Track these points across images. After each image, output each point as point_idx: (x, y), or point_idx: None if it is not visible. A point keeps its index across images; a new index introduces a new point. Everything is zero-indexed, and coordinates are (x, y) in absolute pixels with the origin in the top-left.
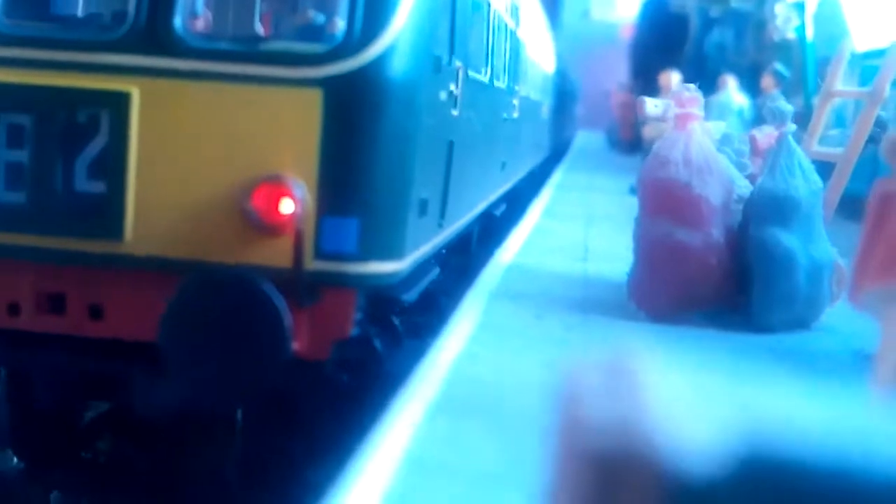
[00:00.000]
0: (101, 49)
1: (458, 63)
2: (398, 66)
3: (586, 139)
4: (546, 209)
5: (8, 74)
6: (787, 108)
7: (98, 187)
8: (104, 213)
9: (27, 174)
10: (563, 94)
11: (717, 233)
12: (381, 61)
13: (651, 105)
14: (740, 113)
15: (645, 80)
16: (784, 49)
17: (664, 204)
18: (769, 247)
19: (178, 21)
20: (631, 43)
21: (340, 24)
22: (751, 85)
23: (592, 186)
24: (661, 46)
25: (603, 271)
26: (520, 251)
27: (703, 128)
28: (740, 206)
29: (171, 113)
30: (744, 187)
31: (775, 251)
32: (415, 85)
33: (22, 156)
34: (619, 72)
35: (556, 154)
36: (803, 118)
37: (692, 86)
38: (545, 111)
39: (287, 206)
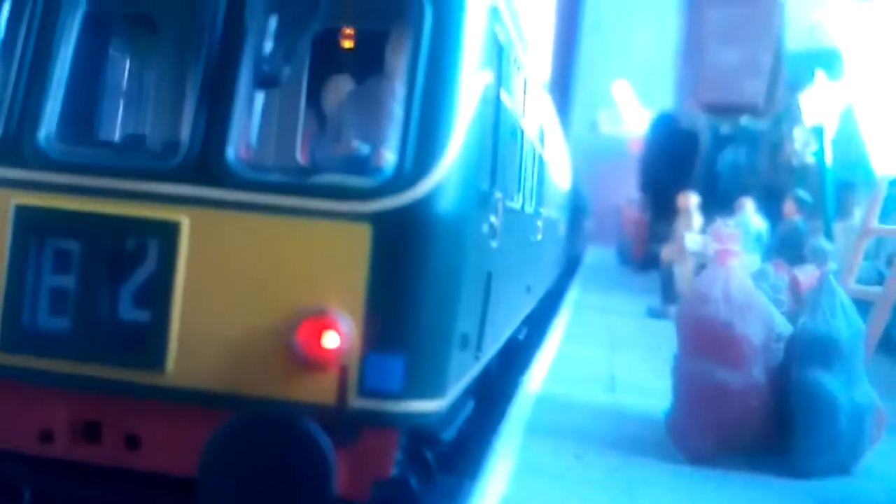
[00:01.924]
0: (152, 178)
1: (498, 194)
2: (448, 201)
3: (597, 255)
4: (566, 332)
5: (58, 200)
6: (828, 247)
7: (142, 316)
8: (147, 343)
9: (71, 300)
10: (575, 208)
11: (758, 373)
12: (431, 197)
13: (691, 240)
14: (758, 237)
15: (656, 196)
16: (801, 172)
17: (705, 343)
18: (812, 390)
19: (230, 152)
20: (641, 158)
21: (386, 156)
22: (767, 207)
23: (609, 307)
24: (672, 163)
25: (634, 405)
26: (546, 379)
27: (741, 263)
28: (780, 345)
29: (220, 243)
30: (783, 325)
31: (818, 395)
32: (463, 221)
33: (67, 281)
34: (627, 186)
35: (569, 269)
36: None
37: (731, 221)
38: (561, 228)
39: (332, 341)
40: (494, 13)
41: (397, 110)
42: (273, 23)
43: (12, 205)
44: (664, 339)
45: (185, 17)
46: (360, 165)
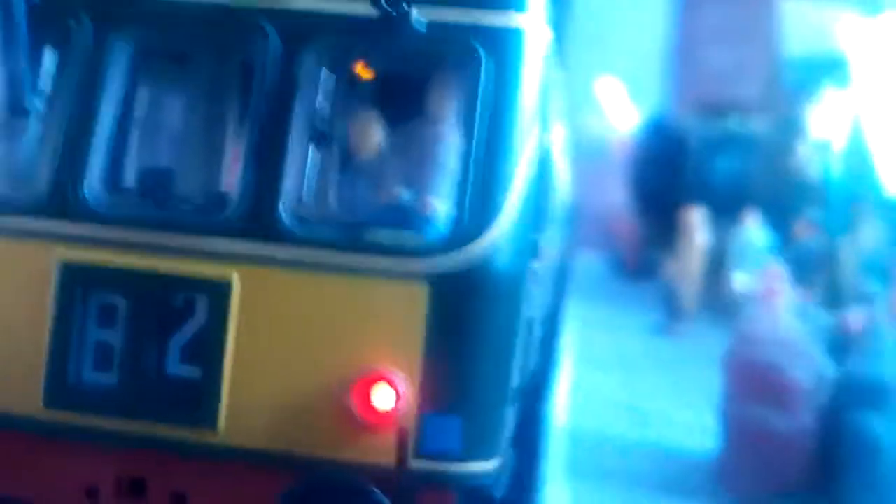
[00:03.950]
0: (201, 232)
1: (540, 236)
2: (507, 257)
3: (584, 262)
4: (577, 353)
5: (103, 255)
6: (876, 289)
7: (192, 372)
8: (198, 400)
9: (117, 355)
10: (566, 217)
11: (808, 417)
12: (491, 254)
13: (740, 281)
14: (761, 253)
15: (647, 204)
16: (803, 185)
17: (754, 386)
18: (861, 434)
19: (282, 207)
20: (632, 163)
21: (432, 204)
22: (766, 220)
23: (612, 323)
24: (663, 169)
25: (670, 440)
26: (571, 411)
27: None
28: (827, 386)
29: (272, 301)
30: (828, 366)
31: (867, 438)
32: (520, 276)
33: (113, 336)
34: (611, 189)
35: (562, 280)
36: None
37: (778, 260)
38: (559, 242)
39: (389, 402)
40: (547, 59)
41: (451, 161)
42: (324, 75)
43: (57, 259)
44: (678, 358)
45: (223, 54)
46: (409, 217)
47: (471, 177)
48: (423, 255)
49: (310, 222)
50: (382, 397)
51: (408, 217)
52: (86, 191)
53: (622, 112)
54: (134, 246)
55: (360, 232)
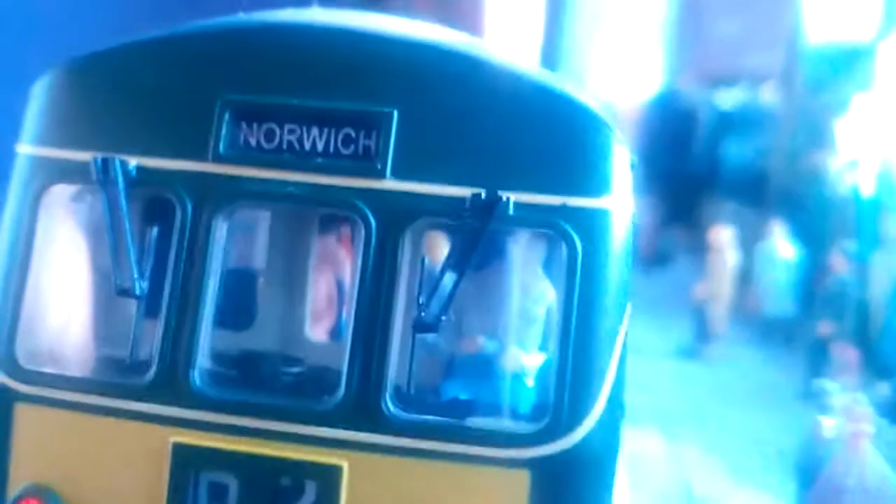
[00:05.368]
0: (310, 421)
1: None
2: (604, 437)
3: None
4: None
5: (214, 440)
6: None
7: None
8: None
9: None
10: None
11: None
12: (591, 437)
13: (827, 428)
14: (787, 268)
15: (661, 189)
16: (832, 203)
17: None
18: None
19: (387, 397)
20: (639, 144)
21: (520, 358)
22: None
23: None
24: (674, 148)
25: None
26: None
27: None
28: None
29: (378, 486)
30: None
31: None
32: (615, 451)
33: None
34: None
35: None
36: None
37: (862, 398)
38: None
39: None
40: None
41: (536, 314)
42: (428, 263)
43: (170, 442)
44: (715, 398)
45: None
46: (493, 371)
47: (570, 362)
48: (524, 444)
49: (413, 410)
50: None
51: (493, 372)
52: (195, 376)
53: (629, 81)
54: (243, 432)
55: (463, 420)
